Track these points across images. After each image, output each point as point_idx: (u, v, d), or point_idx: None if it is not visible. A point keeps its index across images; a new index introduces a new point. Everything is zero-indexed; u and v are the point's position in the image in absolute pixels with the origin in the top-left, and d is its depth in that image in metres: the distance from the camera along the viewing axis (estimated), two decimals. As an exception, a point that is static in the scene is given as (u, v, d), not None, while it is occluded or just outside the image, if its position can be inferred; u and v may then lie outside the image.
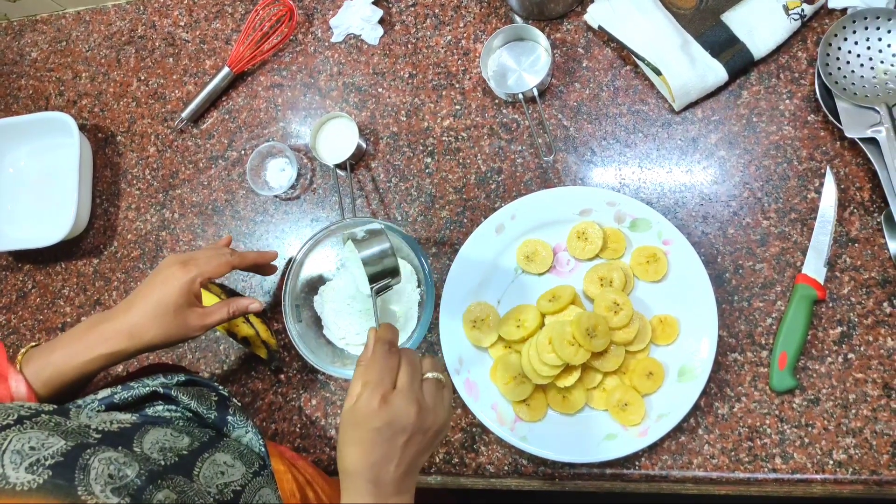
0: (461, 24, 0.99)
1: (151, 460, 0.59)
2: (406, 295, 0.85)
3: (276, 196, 0.99)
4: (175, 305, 0.73)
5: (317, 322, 0.87)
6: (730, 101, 0.88)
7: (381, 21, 1.01)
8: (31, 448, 0.53)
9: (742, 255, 0.83)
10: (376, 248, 0.74)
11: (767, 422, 0.78)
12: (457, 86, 0.97)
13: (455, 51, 0.98)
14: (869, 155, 0.80)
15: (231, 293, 0.96)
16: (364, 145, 0.97)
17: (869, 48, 0.82)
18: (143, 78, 1.10)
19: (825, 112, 0.82)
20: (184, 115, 1.04)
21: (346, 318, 0.86)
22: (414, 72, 0.99)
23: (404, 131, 0.97)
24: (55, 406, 0.63)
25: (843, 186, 0.82)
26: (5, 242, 1.04)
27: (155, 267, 0.82)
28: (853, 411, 0.77)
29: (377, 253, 0.74)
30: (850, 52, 0.83)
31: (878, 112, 0.80)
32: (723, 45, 0.87)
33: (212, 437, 0.70)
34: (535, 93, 0.90)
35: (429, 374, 0.63)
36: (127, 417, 0.66)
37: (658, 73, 0.86)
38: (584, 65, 0.93)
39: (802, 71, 0.87)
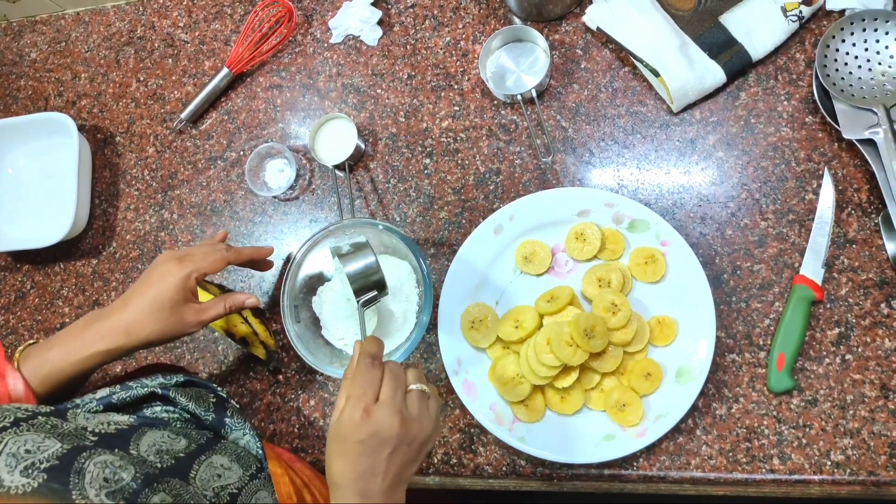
0: (460, 26, 0.99)
1: (148, 463, 0.59)
2: (404, 295, 0.85)
3: (274, 197, 0.99)
4: (171, 301, 0.73)
5: (315, 323, 0.87)
6: (728, 102, 0.88)
7: (380, 22, 1.01)
8: (27, 451, 0.53)
9: (740, 256, 0.83)
10: (361, 263, 0.74)
11: (765, 423, 0.78)
12: (455, 87, 0.97)
13: (454, 52, 0.98)
14: (867, 156, 0.80)
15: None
16: (363, 146, 0.97)
17: (867, 50, 0.82)
18: (142, 79, 1.10)
19: (823, 113, 0.83)
20: (183, 115, 1.04)
21: (345, 319, 0.86)
22: (413, 73, 0.99)
23: (403, 132, 0.97)
24: (53, 408, 0.63)
25: (840, 188, 0.83)
26: (4, 243, 1.04)
27: (152, 266, 0.82)
28: (851, 412, 0.77)
29: (362, 268, 0.74)
30: (847, 53, 0.83)
31: (876, 113, 0.80)
32: (721, 46, 0.87)
33: (209, 438, 0.70)
34: (534, 94, 0.91)
35: (413, 386, 0.63)
36: (124, 419, 0.65)
37: (656, 74, 0.86)
38: (582, 66, 0.93)
39: (800, 72, 0.87)
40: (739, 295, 0.82)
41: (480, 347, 0.85)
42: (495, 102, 0.95)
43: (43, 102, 1.14)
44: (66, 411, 0.63)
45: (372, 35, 1.01)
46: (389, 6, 1.02)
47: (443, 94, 0.97)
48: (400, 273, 0.86)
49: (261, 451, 0.73)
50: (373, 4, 1.01)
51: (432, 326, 0.86)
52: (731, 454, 0.78)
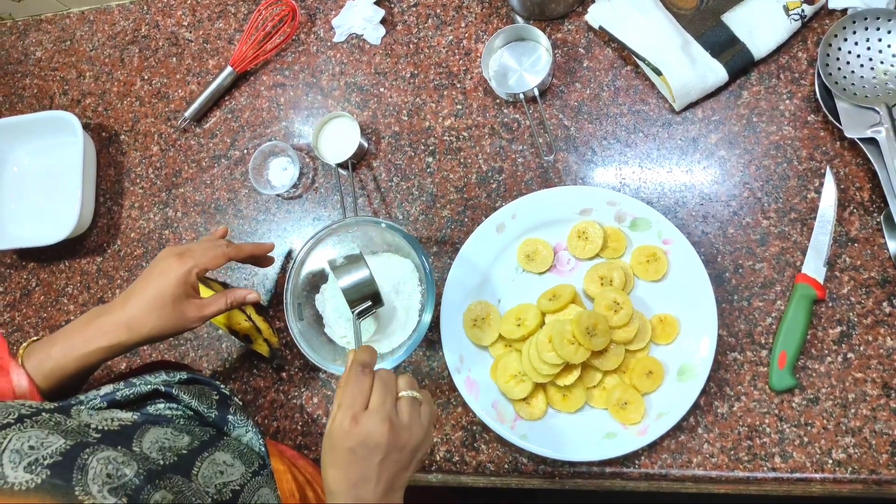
0: (463, 25, 0.99)
1: (150, 460, 0.59)
2: (407, 293, 0.85)
3: (278, 195, 1.00)
4: (172, 297, 0.73)
5: (318, 320, 0.87)
6: (730, 101, 0.88)
7: (383, 21, 1.01)
8: (31, 447, 0.53)
9: (742, 254, 0.83)
10: (355, 276, 0.75)
11: (767, 421, 0.78)
12: (458, 85, 0.97)
13: (456, 51, 0.98)
14: (869, 155, 0.80)
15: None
16: (366, 145, 0.97)
17: (869, 49, 0.82)
18: (146, 77, 1.10)
19: (825, 112, 0.82)
20: (187, 114, 1.04)
21: (348, 317, 0.86)
22: (415, 71, 0.99)
23: (406, 131, 0.97)
24: (57, 404, 0.63)
25: (842, 186, 0.82)
26: (9, 241, 1.04)
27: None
28: (852, 411, 0.77)
29: (355, 281, 0.75)
30: (850, 52, 0.83)
31: (878, 112, 0.80)
32: (723, 45, 0.87)
33: (212, 436, 0.71)
34: (536, 93, 0.91)
35: (403, 393, 0.63)
36: (128, 416, 0.66)
37: (658, 73, 0.86)
38: (584, 65, 0.93)
39: (802, 71, 0.87)
40: (741, 293, 0.82)
41: (482, 345, 0.85)
42: (498, 101, 0.95)
43: (48, 101, 1.14)
44: (70, 408, 0.63)
45: (375, 34, 1.01)
46: (392, 5, 1.02)
47: (445, 92, 0.97)
48: (402, 271, 0.86)
49: (263, 449, 0.73)
50: (376, 3, 1.01)
51: (434, 324, 0.86)
52: (732, 452, 0.78)
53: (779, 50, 0.87)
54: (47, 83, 1.15)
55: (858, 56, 0.82)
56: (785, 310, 0.80)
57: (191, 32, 1.10)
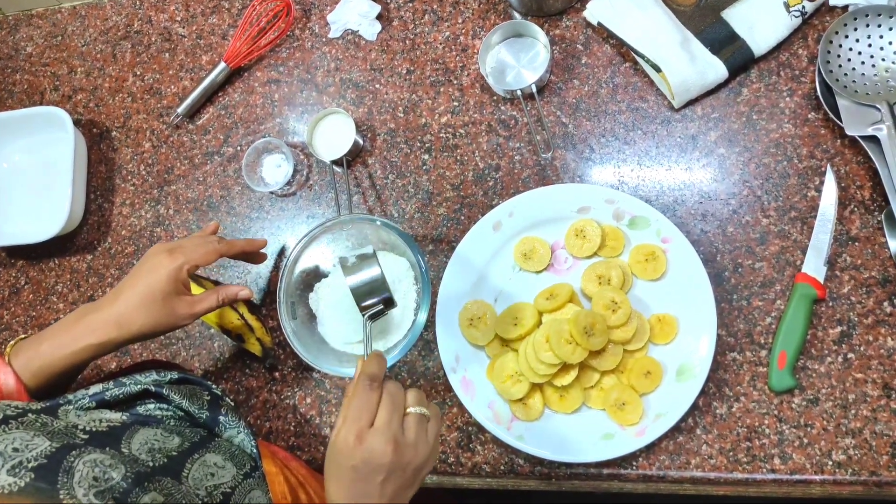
0: (459, 20, 0.98)
1: (139, 462, 0.58)
2: (402, 292, 0.85)
3: (272, 192, 0.98)
4: (163, 294, 0.72)
5: (312, 319, 0.86)
6: (730, 98, 0.87)
7: (379, 17, 1.00)
8: (15, 450, 0.52)
9: (741, 253, 0.82)
10: (367, 277, 0.71)
11: (766, 422, 0.77)
12: (455, 82, 0.96)
13: (453, 47, 0.97)
14: (870, 153, 0.79)
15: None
16: (361, 142, 0.96)
17: (870, 46, 0.82)
18: (138, 73, 1.09)
19: (826, 110, 0.82)
20: (179, 110, 1.03)
21: (342, 316, 0.85)
22: (412, 68, 0.98)
23: (402, 128, 0.96)
24: (44, 405, 0.62)
25: (843, 185, 0.82)
26: (-2, 238, 1.03)
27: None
28: (853, 411, 0.76)
29: (367, 281, 0.71)
30: (850, 49, 0.82)
31: (879, 110, 0.79)
32: (723, 42, 0.86)
33: (203, 437, 0.70)
34: (534, 89, 0.90)
35: (411, 409, 0.61)
36: (116, 417, 0.65)
37: (658, 70, 0.85)
38: (583, 61, 0.93)
39: (803, 68, 0.86)
40: (741, 293, 0.81)
41: (479, 345, 0.84)
42: (495, 98, 0.94)
43: (38, 96, 1.13)
44: (58, 408, 0.62)
45: (371, 30, 1.00)
46: (388, 1, 1.01)
47: (442, 89, 0.96)
48: (398, 269, 0.85)
49: (255, 450, 0.72)
50: (371, -1, 1.00)
51: (430, 323, 0.85)
52: (731, 453, 0.77)
53: (779, 47, 0.87)
54: (38, 78, 1.14)
55: (859, 53, 0.82)
56: (785, 309, 0.79)
57: (184, 28, 1.09)
